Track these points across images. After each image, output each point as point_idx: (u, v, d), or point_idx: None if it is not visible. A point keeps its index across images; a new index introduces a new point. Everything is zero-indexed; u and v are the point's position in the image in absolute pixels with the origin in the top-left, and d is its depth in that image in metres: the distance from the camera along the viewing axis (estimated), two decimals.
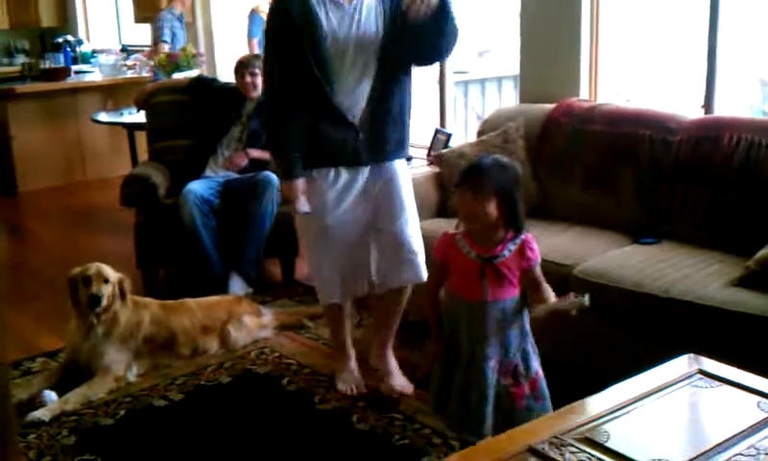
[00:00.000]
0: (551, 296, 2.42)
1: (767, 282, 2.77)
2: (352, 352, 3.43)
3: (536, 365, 2.48)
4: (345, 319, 3.40)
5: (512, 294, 2.44)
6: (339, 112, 3.03)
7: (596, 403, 2.00)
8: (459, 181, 2.46)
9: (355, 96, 3.03)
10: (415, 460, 2.81)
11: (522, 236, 2.43)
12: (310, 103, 3.04)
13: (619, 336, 3.02)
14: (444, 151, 4.22)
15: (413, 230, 3.18)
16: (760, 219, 3.13)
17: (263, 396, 3.35)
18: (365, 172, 3.12)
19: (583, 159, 3.76)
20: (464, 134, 5.30)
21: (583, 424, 1.88)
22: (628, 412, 1.94)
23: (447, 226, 3.49)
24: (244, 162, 4.62)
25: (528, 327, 2.48)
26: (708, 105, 3.83)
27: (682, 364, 2.17)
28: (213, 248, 4.38)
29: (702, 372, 2.10)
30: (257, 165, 4.58)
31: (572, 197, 3.78)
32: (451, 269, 2.51)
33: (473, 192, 2.37)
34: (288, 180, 3.12)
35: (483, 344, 2.42)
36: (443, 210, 3.92)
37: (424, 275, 3.12)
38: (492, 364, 2.41)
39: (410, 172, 3.32)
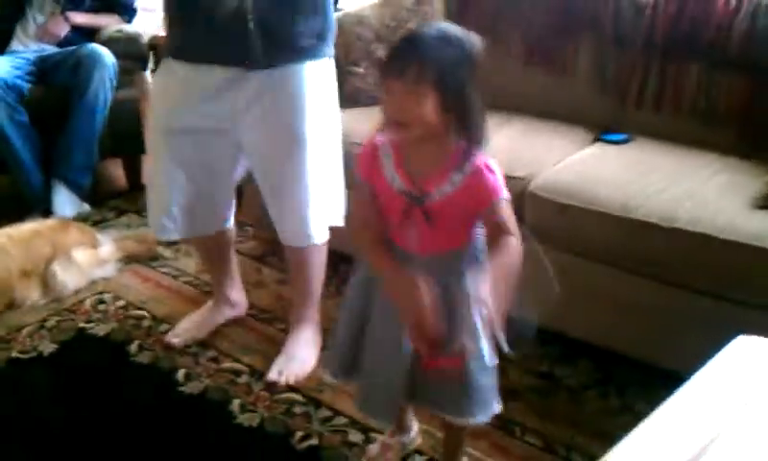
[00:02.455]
0: (510, 258, 1.51)
1: None
2: (225, 291, 2.56)
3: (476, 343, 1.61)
4: (218, 253, 2.51)
5: (455, 245, 1.60)
6: None
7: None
8: (383, 64, 1.52)
9: None
10: None
11: (475, 159, 1.53)
12: None
13: (604, 281, 2.23)
14: (336, 14, 3.20)
15: (312, 184, 2.20)
16: None
17: (102, 373, 2.38)
18: (253, 77, 2.11)
19: (523, 25, 2.86)
20: None
21: None
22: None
23: (350, 120, 2.58)
24: (64, 31, 3.52)
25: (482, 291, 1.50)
26: None
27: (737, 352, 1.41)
28: (27, 151, 3.28)
29: None
30: (82, 34, 3.51)
31: (509, 77, 2.88)
32: (378, 195, 1.63)
33: (403, 82, 1.46)
34: None
35: None
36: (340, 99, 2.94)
37: (317, 238, 2.26)
38: None
39: (323, 83, 2.22)
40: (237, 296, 2.61)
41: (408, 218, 1.57)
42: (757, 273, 1.96)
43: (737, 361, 1.41)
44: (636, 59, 2.64)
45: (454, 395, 1.69)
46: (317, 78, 2.16)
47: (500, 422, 2.10)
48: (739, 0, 2.44)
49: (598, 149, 2.53)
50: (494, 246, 1.52)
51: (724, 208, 2.07)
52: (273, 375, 2.33)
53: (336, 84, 2.27)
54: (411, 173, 1.56)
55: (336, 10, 3.41)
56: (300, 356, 2.37)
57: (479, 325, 1.53)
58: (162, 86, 2.26)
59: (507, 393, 2.18)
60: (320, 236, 2.27)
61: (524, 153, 2.48)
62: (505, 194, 1.54)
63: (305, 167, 2.17)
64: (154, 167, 2.30)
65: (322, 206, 2.24)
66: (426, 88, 1.44)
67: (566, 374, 2.33)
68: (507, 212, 1.54)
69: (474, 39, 1.51)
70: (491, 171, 1.53)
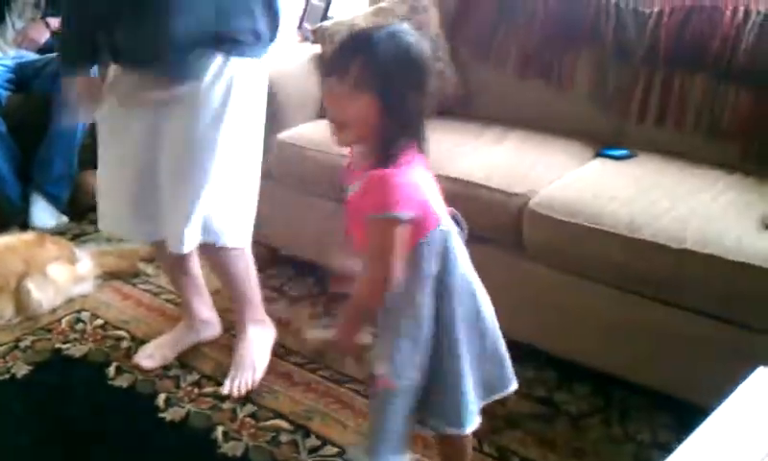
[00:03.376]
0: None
1: None
2: (193, 308, 2.45)
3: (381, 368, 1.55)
4: (175, 264, 2.40)
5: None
6: None
7: None
8: (326, 61, 1.58)
9: None
10: None
11: (382, 168, 1.43)
12: None
13: (605, 302, 2.13)
14: (326, 23, 3.10)
15: (212, 181, 2.07)
16: None
17: (79, 397, 2.26)
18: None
19: (520, 36, 2.77)
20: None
21: None
22: None
23: None
24: (44, 38, 3.45)
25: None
26: None
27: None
28: (4, 162, 3.19)
29: None
30: None
31: (505, 89, 2.81)
32: None
33: (341, 79, 1.42)
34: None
35: None
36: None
37: (185, 247, 2.11)
38: None
39: (251, 77, 2.08)
40: (208, 314, 2.49)
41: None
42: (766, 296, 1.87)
43: (760, 394, 1.32)
44: (638, 71, 2.54)
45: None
46: (236, 77, 2.02)
47: (498, 451, 2.00)
48: (746, 11, 2.36)
49: (599, 165, 2.43)
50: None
51: (732, 228, 1.97)
52: (226, 388, 2.25)
53: (263, 87, 2.14)
54: (352, 166, 1.55)
55: (327, 18, 3.33)
56: (249, 362, 2.30)
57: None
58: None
59: (504, 420, 2.10)
60: (185, 246, 2.12)
61: (523, 168, 2.38)
62: (384, 213, 1.43)
63: (201, 169, 2.04)
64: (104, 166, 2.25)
65: (219, 211, 2.10)
66: (365, 92, 1.40)
67: (566, 399, 2.23)
68: (374, 232, 1.46)
69: (424, 46, 1.47)
70: (383, 185, 1.43)
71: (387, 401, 1.55)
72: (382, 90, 1.41)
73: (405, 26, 1.49)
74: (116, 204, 2.21)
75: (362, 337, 1.58)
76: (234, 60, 2.01)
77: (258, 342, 2.35)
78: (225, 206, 2.11)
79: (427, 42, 1.48)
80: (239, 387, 2.24)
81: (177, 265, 2.39)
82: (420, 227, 1.47)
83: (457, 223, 1.57)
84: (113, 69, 2.09)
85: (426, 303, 1.50)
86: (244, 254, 2.27)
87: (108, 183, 2.23)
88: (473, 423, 1.60)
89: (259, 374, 2.29)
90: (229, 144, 2.05)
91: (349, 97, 1.42)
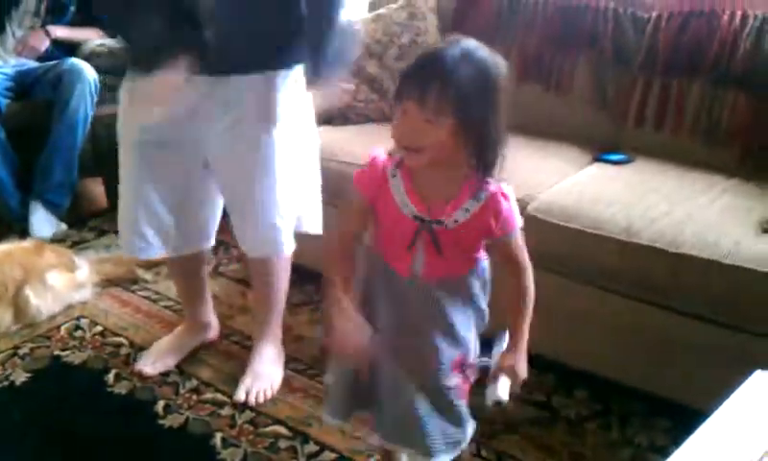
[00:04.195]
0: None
1: None
2: (196, 312, 2.45)
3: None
4: (191, 272, 2.41)
5: (458, 271, 1.52)
6: None
7: None
8: (401, 83, 1.42)
9: None
10: None
11: (491, 187, 1.45)
12: None
13: (603, 307, 2.13)
14: None
15: (281, 193, 2.09)
16: None
17: (78, 404, 2.25)
18: (219, 83, 1.99)
19: (519, 42, 2.77)
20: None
21: None
22: None
23: (340, 139, 2.49)
24: (44, 46, 3.40)
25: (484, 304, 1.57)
26: None
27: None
28: (4, 170, 3.17)
29: None
30: (63, 49, 3.38)
31: (504, 94, 2.78)
32: (380, 217, 1.53)
33: (421, 108, 1.35)
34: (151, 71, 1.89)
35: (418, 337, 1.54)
36: (329, 116, 2.83)
37: (286, 248, 2.16)
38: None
39: (295, 92, 2.07)
40: (209, 318, 2.49)
41: (416, 243, 1.48)
42: (765, 301, 1.87)
43: (758, 398, 1.32)
44: (636, 76, 2.55)
45: None
46: (290, 87, 2.04)
47: (496, 456, 2.00)
48: (744, 16, 2.36)
49: (598, 169, 2.43)
50: (516, 297, 1.52)
51: (729, 232, 1.98)
52: (240, 395, 2.23)
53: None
54: (423, 197, 1.47)
55: None
56: (268, 373, 2.29)
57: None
58: (129, 96, 2.12)
59: (503, 425, 2.10)
60: (286, 247, 2.16)
61: (521, 173, 2.36)
62: (519, 223, 1.48)
63: (274, 178, 2.05)
64: (123, 184, 2.20)
65: (288, 217, 2.13)
66: (445, 117, 1.35)
67: (564, 404, 2.22)
68: (521, 243, 1.50)
69: (500, 62, 1.41)
70: (506, 198, 1.46)
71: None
72: (461, 115, 1.35)
73: (473, 42, 1.43)
74: (142, 224, 2.18)
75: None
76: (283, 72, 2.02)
77: (277, 357, 2.35)
78: (285, 210, 2.12)
79: (499, 58, 1.41)
80: (256, 396, 2.22)
81: (192, 274, 2.40)
82: None
83: None
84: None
85: None
86: (289, 261, 2.27)
87: (133, 204, 2.19)
88: None
89: (276, 387, 2.27)
90: (292, 146, 2.07)
91: (429, 124, 1.36)
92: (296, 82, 2.05)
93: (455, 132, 1.36)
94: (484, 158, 1.42)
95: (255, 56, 1.96)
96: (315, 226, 2.22)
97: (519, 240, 1.49)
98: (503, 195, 1.46)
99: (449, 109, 1.34)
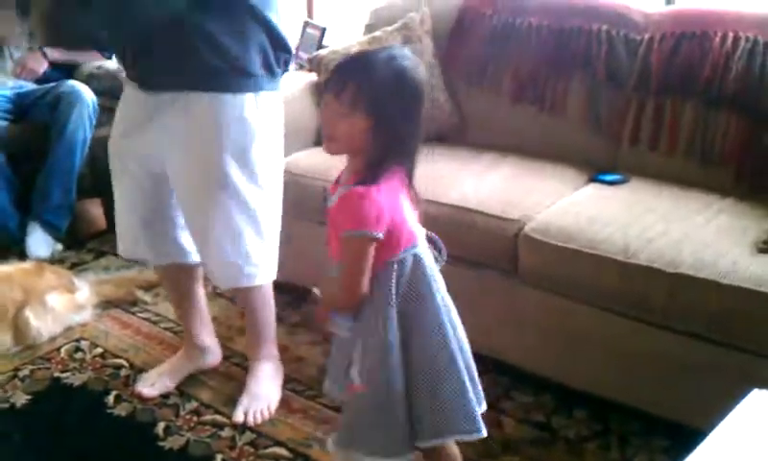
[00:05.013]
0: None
1: None
2: (195, 335, 2.46)
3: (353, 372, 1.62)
4: (181, 289, 2.43)
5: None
6: None
7: None
8: (327, 77, 1.69)
9: None
10: None
11: (361, 185, 1.51)
12: None
13: (601, 327, 2.14)
14: (321, 52, 3.13)
15: (237, 223, 2.11)
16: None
17: (78, 426, 2.26)
18: (165, 101, 2.06)
19: (513, 64, 2.79)
20: (345, 28, 4.07)
21: None
22: None
23: (329, 158, 2.53)
24: (42, 68, 3.44)
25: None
26: None
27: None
28: (3, 191, 3.17)
29: None
30: (61, 71, 3.43)
31: (499, 116, 2.83)
32: None
33: (338, 102, 1.51)
34: None
35: None
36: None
37: (258, 279, 2.19)
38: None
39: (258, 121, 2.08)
40: (210, 341, 2.49)
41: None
42: (762, 320, 1.89)
43: (756, 417, 1.33)
44: (630, 97, 2.57)
45: None
46: (255, 111, 2.05)
47: None
48: (735, 38, 2.39)
49: (594, 190, 2.45)
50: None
51: (726, 252, 1.99)
52: (238, 416, 2.24)
53: (281, 122, 2.17)
54: (338, 180, 1.61)
55: (322, 47, 3.36)
56: (265, 394, 2.29)
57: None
58: (118, 111, 2.24)
59: (502, 445, 2.11)
60: (259, 278, 2.18)
61: (517, 194, 2.40)
62: (359, 232, 1.51)
63: (230, 209, 2.08)
64: (115, 190, 2.30)
65: (253, 247, 2.14)
66: (360, 112, 1.48)
67: (563, 424, 2.23)
68: (348, 248, 1.54)
69: (420, 71, 1.53)
70: (360, 202, 1.50)
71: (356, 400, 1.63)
72: (374, 113, 1.48)
73: (406, 51, 1.56)
74: (130, 229, 2.28)
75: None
76: (250, 96, 2.04)
77: (273, 376, 2.35)
78: (258, 244, 2.14)
79: (423, 68, 1.54)
80: (254, 416, 2.23)
81: (184, 291, 2.41)
82: (391, 247, 1.53)
83: (436, 248, 1.63)
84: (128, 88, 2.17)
85: (392, 316, 1.55)
86: (269, 289, 2.29)
87: (122, 210, 2.31)
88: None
89: (273, 407, 2.28)
90: (256, 179, 2.09)
91: (342, 115, 1.50)
92: (257, 108, 2.06)
93: (367, 128, 1.48)
94: (382, 161, 1.51)
95: (180, 76, 2.02)
96: (269, 276, 2.23)
97: (350, 248, 1.53)
98: (360, 195, 1.50)
99: (363, 106, 1.47)
